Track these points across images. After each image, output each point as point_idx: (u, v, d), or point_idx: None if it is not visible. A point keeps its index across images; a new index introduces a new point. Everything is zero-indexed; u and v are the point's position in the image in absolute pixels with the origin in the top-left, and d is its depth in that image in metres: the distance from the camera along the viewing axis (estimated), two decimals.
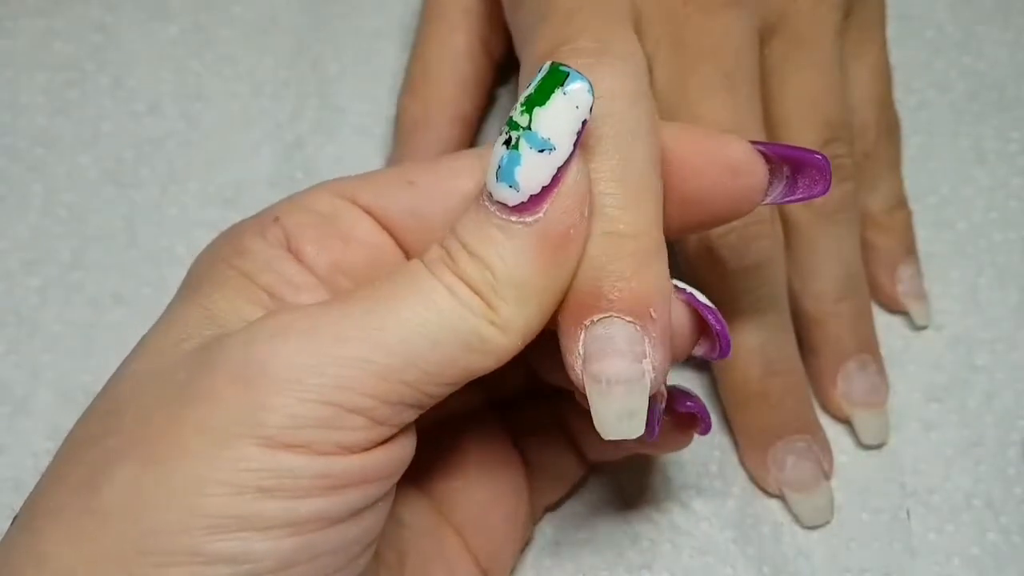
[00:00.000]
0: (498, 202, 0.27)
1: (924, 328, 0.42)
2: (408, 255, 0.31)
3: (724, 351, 0.31)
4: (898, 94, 0.44)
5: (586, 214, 0.28)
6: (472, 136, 0.44)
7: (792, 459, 0.39)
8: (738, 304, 0.38)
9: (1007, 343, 0.42)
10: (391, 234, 0.31)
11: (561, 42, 0.32)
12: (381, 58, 0.47)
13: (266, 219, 0.30)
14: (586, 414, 0.29)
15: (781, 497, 0.39)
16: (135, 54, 0.47)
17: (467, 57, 0.43)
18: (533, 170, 0.27)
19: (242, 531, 0.26)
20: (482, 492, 0.35)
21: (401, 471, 0.29)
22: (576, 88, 0.27)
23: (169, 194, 0.44)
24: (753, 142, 0.31)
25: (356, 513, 0.27)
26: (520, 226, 0.27)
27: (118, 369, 0.29)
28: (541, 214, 0.27)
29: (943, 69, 0.47)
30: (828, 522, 0.39)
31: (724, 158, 0.30)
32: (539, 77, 0.27)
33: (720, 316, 0.30)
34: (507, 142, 0.27)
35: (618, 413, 0.28)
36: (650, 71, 0.38)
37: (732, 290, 0.38)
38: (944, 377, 0.41)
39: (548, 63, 0.27)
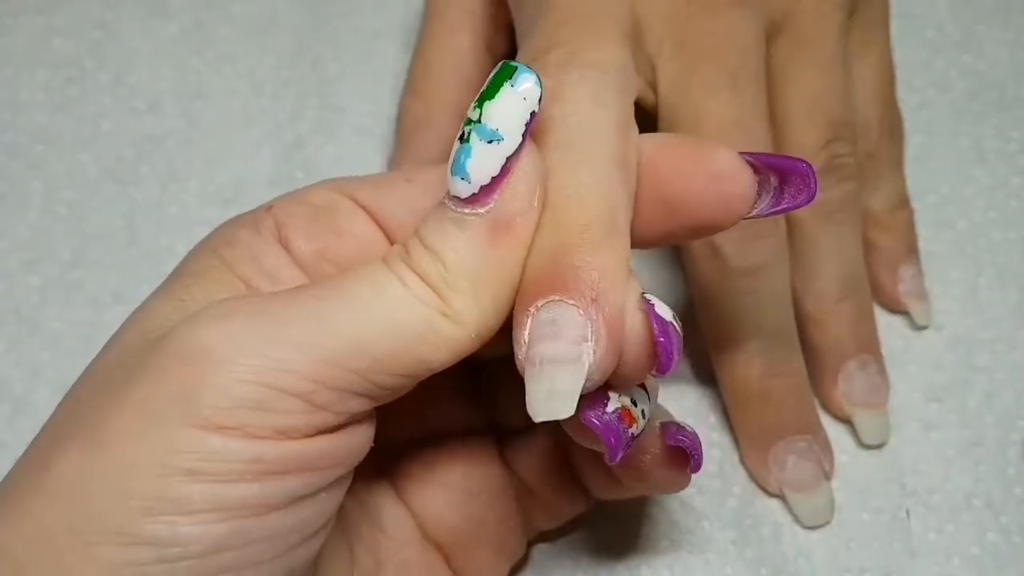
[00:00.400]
0: (454, 196, 0.28)
1: (924, 328, 0.42)
2: None
3: (661, 367, 0.29)
4: (899, 93, 0.43)
5: (535, 204, 0.28)
6: None
7: (793, 459, 0.39)
8: (740, 303, 0.38)
9: (1007, 343, 0.42)
10: (386, 233, 0.31)
11: (541, 53, 0.32)
12: (381, 58, 0.47)
13: (260, 210, 0.31)
14: (590, 451, 0.29)
15: (781, 497, 0.39)
16: (135, 51, 0.47)
17: (469, 57, 0.43)
18: (482, 161, 0.28)
19: (169, 514, 0.26)
20: (464, 515, 0.35)
21: (351, 463, 0.29)
22: (523, 79, 0.28)
23: (169, 192, 0.44)
24: (741, 153, 0.31)
25: (294, 501, 0.27)
26: (473, 218, 0.28)
27: (92, 360, 0.29)
28: (491, 204, 0.28)
29: (943, 69, 0.47)
30: (828, 522, 0.39)
31: (709, 166, 0.30)
32: (491, 75, 0.28)
33: (672, 331, 0.29)
34: (461, 136, 0.28)
35: (546, 392, 0.27)
36: (654, 71, 0.38)
37: (735, 289, 0.38)
38: (944, 377, 0.41)
39: (501, 62, 0.28)
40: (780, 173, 0.31)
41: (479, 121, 0.28)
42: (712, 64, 0.38)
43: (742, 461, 0.40)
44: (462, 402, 0.36)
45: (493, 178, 0.28)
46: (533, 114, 0.28)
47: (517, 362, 0.28)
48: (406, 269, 0.28)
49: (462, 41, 0.43)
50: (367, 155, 0.45)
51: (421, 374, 0.28)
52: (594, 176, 0.29)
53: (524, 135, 0.28)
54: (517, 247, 0.28)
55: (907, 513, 0.39)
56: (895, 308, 0.42)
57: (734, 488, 0.39)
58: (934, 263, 0.43)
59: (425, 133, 0.43)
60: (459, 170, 0.28)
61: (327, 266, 0.30)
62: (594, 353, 0.27)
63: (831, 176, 0.39)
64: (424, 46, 0.44)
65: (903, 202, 0.43)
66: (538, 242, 0.28)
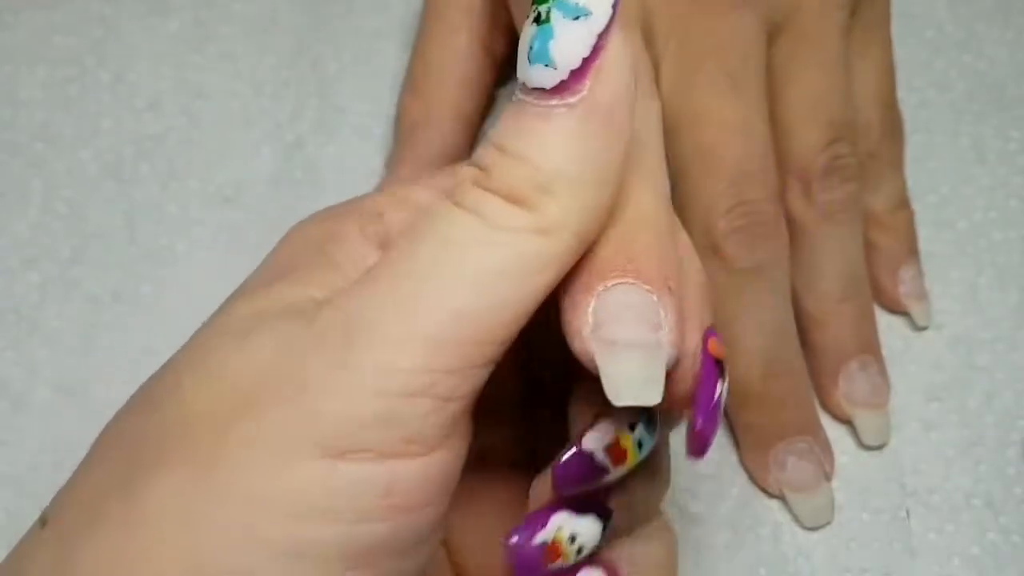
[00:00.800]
0: (534, 89, 0.24)
1: (925, 328, 0.42)
2: None
3: (697, 449, 0.27)
4: (898, 93, 0.44)
5: (633, 87, 0.25)
6: (473, 136, 0.44)
7: (793, 460, 0.38)
8: (741, 303, 0.38)
9: (1007, 343, 0.42)
10: None
11: None
12: (381, 58, 0.47)
13: (369, 211, 0.28)
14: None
15: (781, 498, 0.39)
16: (135, 49, 0.47)
17: (468, 56, 0.43)
18: (569, 41, 0.24)
19: (299, 557, 0.23)
20: (488, 539, 0.31)
21: (459, 471, 0.26)
22: None
23: (169, 191, 0.44)
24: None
25: (415, 543, 0.25)
26: (563, 109, 0.24)
27: (169, 360, 0.26)
28: (584, 91, 0.24)
29: (943, 68, 0.47)
30: (829, 523, 0.39)
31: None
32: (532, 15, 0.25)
33: (714, 415, 0.27)
34: (536, 18, 0.24)
35: (633, 377, 0.25)
36: (658, 70, 0.38)
37: (736, 289, 0.38)
38: (944, 377, 0.41)
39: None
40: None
41: None
42: (713, 64, 0.38)
43: (741, 461, 0.40)
44: (510, 422, 0.32)
45: (584, 60, 0.24)
46: None
47: (575, 341, 0.25)
48: (482, 195, 0.25)
49: (461, 40, 0.43)
50: (367, 155, 0.45)
51: (534, 305, 0.25)
52: (653, 168, 0.28)
53: (615, 6, 0.24)
54: (621, 137, 0.25)
55: (907, 513, 0.39)
56: (895, 309, 0.42)
57: (733, 489, 0.39)
58: (934, 263, 0.43)
59: (424, 132, 0.43)
60: (541, 56, 0.24)
61: None
62: (670, 343, 0.25)
63: (833, 177, 0.39)
64: (423, 45, 0.44)
65: (903, 203, 0.43)
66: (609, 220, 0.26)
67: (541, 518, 0.27)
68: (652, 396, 0.25)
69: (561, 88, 0.24)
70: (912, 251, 0.43)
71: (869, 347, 0.40)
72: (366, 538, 0.24)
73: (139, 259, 0.43)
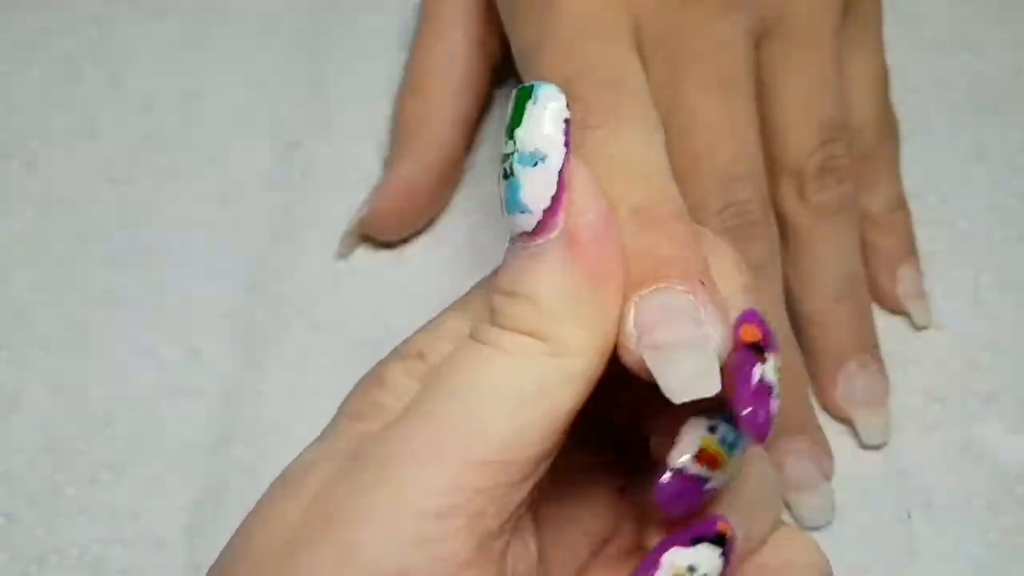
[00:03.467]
0: (520, 234, 0.26)
1: (924, 328, 0.42)
2: None
3: (755, 435, 0.27)
4: (898, 93, 0.43)
5: (604, 207, 0.27)
6: (470, 137, 0.44)
7: (791, 460, 0.38)
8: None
9: (1008, 342, 0.42)
10: None
11: (571, 76, 0.31)
12: (378, 58, 0.47)
13: (410, 353, 0.29)
14: None
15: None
16: (132, 51, 0.47)
17: (466, 58, 0.43)
18: (535, 186, 0.26)
19: None
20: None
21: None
22: (543, 93, 0.26)
23: (165, 192, 0.44)
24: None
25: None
26: (548, 245, 0.26)
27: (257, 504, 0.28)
28: (561, 224, 0.26)
29: (943, 68, 0.47)
30: (829, 523, 0.38)
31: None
32: (510, 105, 0.27)
33: (759, 398, 0.27)
34: (504, 174, 0.26)
35: (686, 374, 0.25)
36: (646, 73, 0.38)
37: None
38: (945, 377, 0.41)
39: (515, 90, 0.27)
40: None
41: (515, 150, 0.26)
42: (702, 67, 0.38)
43: None
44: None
45: (552, 198, 0.26)
46: (567, 121, 0.26)
47: (625, 355, 0.26)
48: (498, 332, 0.26)
49: (458, 41, 0.43)
50: (365, 155, 0.45)
51: (563, 423, 0.26)
52: (662, 177, 0.29)
53: (566, 144, 0.26)
54: (605, 254, 0.26)
55: (907, 514, 0.39)
56: (895, 309, 0.42)
57: None
58: (934, 263, 0.43)
59: (422, 132, 0.43)
60: (515, 206, 0.26)
61: None
62: (715, 336, 0.26)
63: (827, 177, 0.39)
64: (420, 46, 0.44)
65: (901, 203, 0.43)
66: (628, 237, 0.27)
67: (652, 561, 0.28)
68: (709, 387, 0.25)
69: (540, 228, 0.26)
70: (910, 251, 0.42)
71: (868, 347, 0.40)
72: None
73: (134, 259, 0.43)
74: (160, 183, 0.44)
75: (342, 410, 0.29)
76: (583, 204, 0.26)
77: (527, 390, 0.26)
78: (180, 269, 0.42)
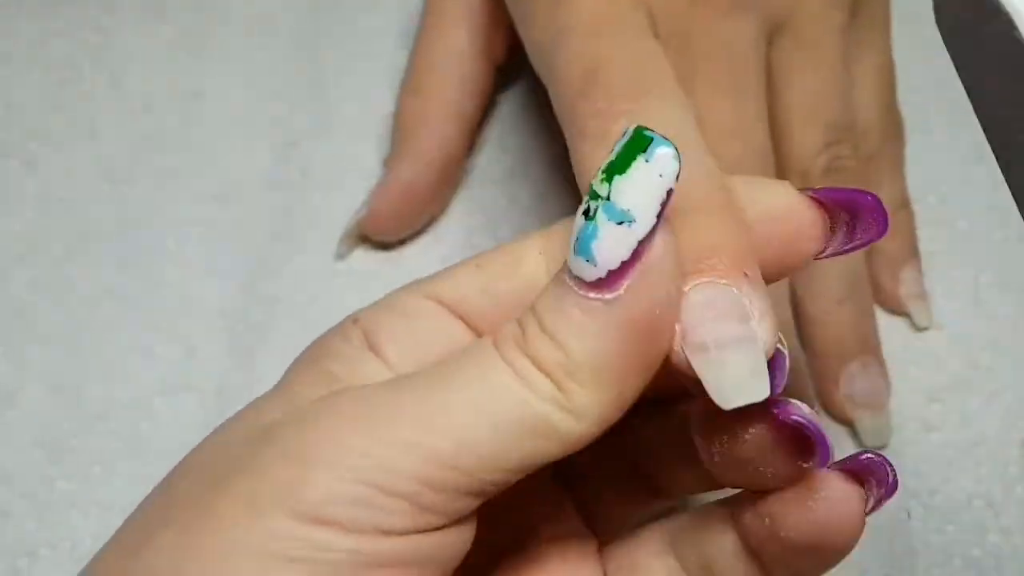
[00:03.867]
0: (575, 277, 0.25)
1: (925, 329, 0.42)
2: None
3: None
4: (898, 93, 0.43)
5: (674, 294, 0.25)
6: (472, 136, 0.44)
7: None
8: None
9: (1008, 343, 0.41)
10: (466, 322, 0.29)
11: (593, 66, 0.31)
12: (378, 57, 0.47)
13: (346, 321, 0.29)
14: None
15: None
16: (132, 53, 0.47)
17: (468, 57, 0.43)
18: (610, 244, 0.25)
19: None
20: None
21: (453, 562, 0.26)
22: (660, 153, 0.24)
23: (163, 191, 0.44)
24: (807, 190, 0.28)
25: None
26: (598, 303, 0.25)
27: (188, 454, 0.28)
28: (620, 291, 0.25)
29: (943, 68, 0.47)
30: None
31: (762, 206, 0.28)
32: (621, 142, 0.25)
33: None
34: (586, 212, 0.25)
35: (736, 376, 0.25)
36: None
37: None
38: (945, 377, 0.41)
39: (632, 127, 0.25)
40: (848, 208, 0.28)
41: (608, 198, 0.25)
42: (713, 66, 0.38)
43: None
44: (555, 494, 0.32)
45: (623, 262, 0.25)
46: (670, 192, 0.25)
47: (670, 354, 0.25)
48: (521, 356, 0.25)
49: (460, 39, 0.43)
50: (363, 154, 0.45)
51: (530, 469, 0.26)
52: (699, 153, 0.28)
53: (659, 216, 0.25)
54: (655, 345, 0.25)
55: (908, 514, 0.38)
56: (896, 309, 0.42)
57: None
58: (934, 263, 0.43)
59: (422, 131, 0.43)
60: (583, 250, 0.25)
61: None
62: (764, 332, 0.25)
63: (832, 178, 0.39)
64: (422, 44, 0.44)
65: (904, 203, 0.43)
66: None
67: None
68: (760, 391, 0.25)
69: (599, 284, 0.25)
70: (912, 252, 0.42)
71: (869, 348, 0.40)
72: None
73: (132, 258, 0.43)
74: (159, 183, 0.44)
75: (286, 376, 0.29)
76: (657, 281, 0.25)
77: (523, 422, 0.25)
78: (178, 268, 0.43)
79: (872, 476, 0.27)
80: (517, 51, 0.40)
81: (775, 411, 0.26)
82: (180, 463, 0.28)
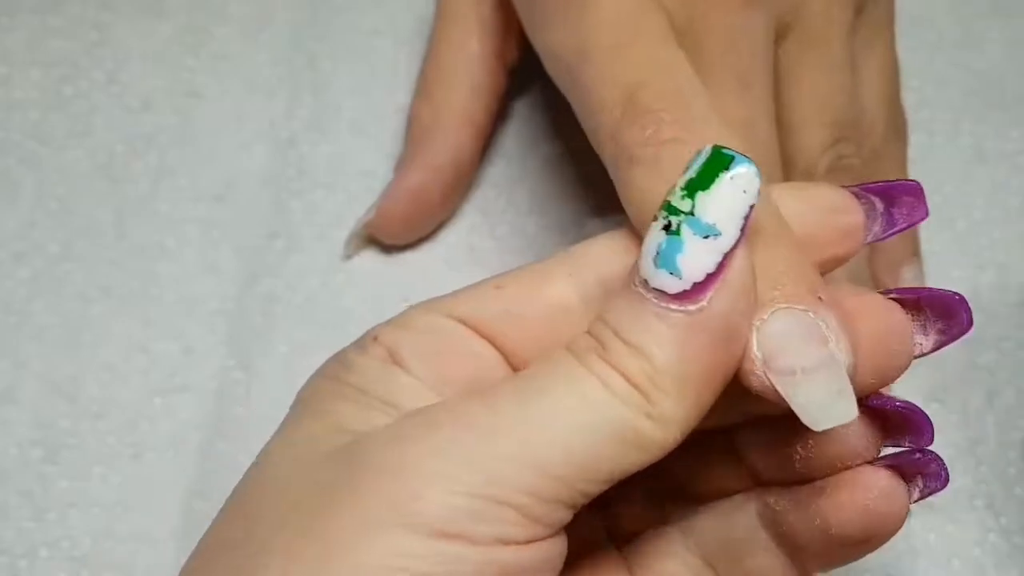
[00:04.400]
0: (655, 289, 0.26)
1: None
2: (509, 361, 0.29)
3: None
4: None
5: (752, 303, 0.26)
6: (484, 143, 0.43)
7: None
8: None
9: (1008, 342, 0.41)
10: (491, 342, 0.29)
11: (631, 88, 0.31)
12: (377, 56, 0.46)
13: (365, 340, 0.29)
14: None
15: None
16: (130, 51, 0.46)
17: (481, 63, 0.43)
18: (697, 257, 0.25)
19: None
20: None
21: (556, 573, 0.27)
22: (742, 169, 0.26)
23: (161, 189, 0.44)
24: (844, 187, 0.30)
25: None
26: (681, 315, 0.26)
27: (240, 482, 0.28)
28: (704, 302, 0.26)
29: (943, 67, 0.47)
30: None
31: (822, 201, 0.29)
32: (700, 160, 0.26)
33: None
34: (666, 227, 0.26)
35: (824, 399, 0.26)
36: None
37: None
38: (945, 377, 0.41)
39: (710, 147, 0.26)
40: (884, 196, 0.30)
41: (692, 213, 0.26)
42: (722, 63, 0.38)
43: None
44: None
45: (708, 275, 0.25)
46: (752, 207, 0.26)
47: (752, 381, 0.26)
48: (605, 367, 0.26)
49: (473, 46, 0.43)
50: (361, 153, 0.45)
51: (618, 479, 0.26)
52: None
53: (743, 230, 0.26)
54: (735, 352, 0.26)
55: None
56: None
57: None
58: (934, 263, 0.43)
59: (433, 137, 0.42)
60: (668, 263, 0.26)
61: (448, 391, 0.29)
62: (842, 352, 0.26)
63: (837, 176, 0.39)
64: (435, 51, 0.43)
65: None
66: None
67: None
68: (849, 411, 0.26)
69: (683, 296, 0.26)
70: (914, 251, 0.42)
71: None
72: None
73: (129, 256, 0.42)
74: (157, 181, 0.44)
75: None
76: (737, 294, 0.26)
77: (613, 432, 0.26)
78: (175, 266, 0.42)
79: (920, 472, 0.29)
80: (527, 53, 0.40)
81: (872, 403, 0.28)
82: (237, 503, 0.28)
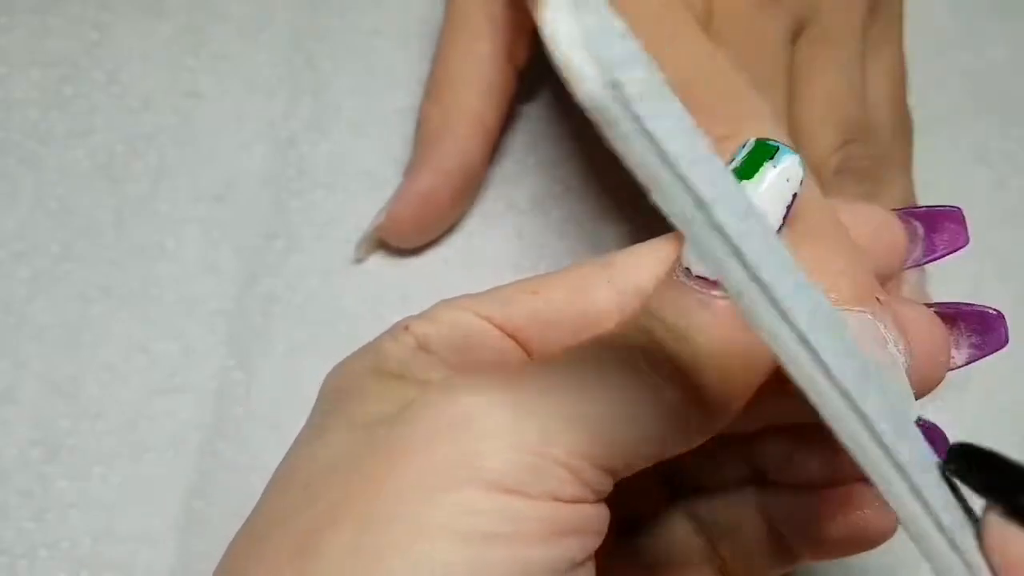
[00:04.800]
0: (698, 277, 0.26)
1: None
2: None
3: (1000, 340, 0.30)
4: None
5: None
6: (493, 145, 0.43)
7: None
8: None
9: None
10: (518, 342, 0.30)
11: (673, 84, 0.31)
12: (377, 56, 0.46)
13: (396, 329, 0.30)
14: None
15: None
16: (130, 51, 0.46)
17: (490, 65, 0.42)
18: None
19: None
20: None
21: (602, 534, 0.27)
22: (786, 160, 0.26)
23: (160, 189, 0.44)
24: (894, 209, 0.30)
25: (572, 568, 0.26)
26: (724, 300, 0.26)
27: (281, 467, 0.28)
28: None
29: (943, 67, 0.47)
30: None
31: (868, 216, 0.30)
32: (745, 151, 0.27)
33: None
34: None
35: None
36: None
37: None
38: (945, 377, 0.41)
39: (753, 139, 0.27)
40: (926, 222, 0.30)
41: None
42: (744, 57, 0.38)
43: None
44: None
45: None
46: (795, 196, 0.26)
47: None
48: (652, 352, 0.27)
49: (483, 48, 0.42)
50: (361, 153, 0.45)
51: (660, 458, 0.27)
52: (816, 191, 0.29)
53: (784, 219, 0.26)
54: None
55: None
56: None
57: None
58: (934, 263, 0.42)
59: (443, 141, 0.42)
60: None
61: None
62: (901, 354, 0.27)
63: (846, 176, 0.39)
64: (444, 52, 0.43)
65: (911, 203, 0.43)
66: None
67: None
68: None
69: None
70: None
71: None
72: (533, 557, 0.25)
73: (129, 256, 0.42)
74: (157, 181, 0.44)
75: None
76: None
77: (659, 413, 0.26)
78: (175, 266, 0.42)
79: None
80: (540, 59, 0.39)
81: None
82: (290, 474, 0.28)
